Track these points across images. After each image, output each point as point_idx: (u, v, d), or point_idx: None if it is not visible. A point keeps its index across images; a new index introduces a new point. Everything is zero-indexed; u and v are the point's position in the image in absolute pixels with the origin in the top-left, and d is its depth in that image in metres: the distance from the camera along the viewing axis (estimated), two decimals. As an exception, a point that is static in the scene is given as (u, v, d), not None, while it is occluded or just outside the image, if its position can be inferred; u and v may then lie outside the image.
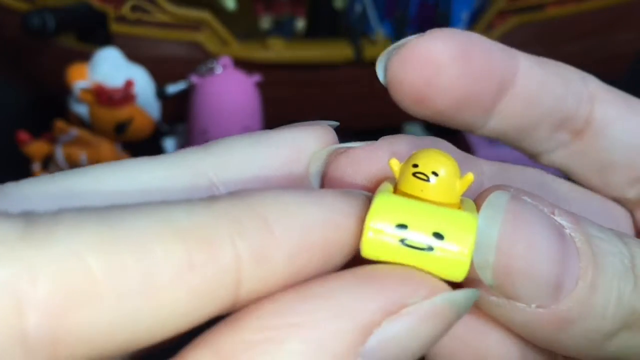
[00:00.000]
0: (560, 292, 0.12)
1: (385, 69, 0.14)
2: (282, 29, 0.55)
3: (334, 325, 0.09)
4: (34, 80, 0.56)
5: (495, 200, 0.12)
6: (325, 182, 0.13)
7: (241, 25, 0.54)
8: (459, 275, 0.10)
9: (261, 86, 0.46)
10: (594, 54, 0.58)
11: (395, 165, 0.12)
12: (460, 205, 0.11)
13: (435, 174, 0.11)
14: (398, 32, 0.50)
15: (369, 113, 0.54)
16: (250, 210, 0.10)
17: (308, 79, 0.50)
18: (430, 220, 0.10)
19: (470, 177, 0.11)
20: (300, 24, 0.56)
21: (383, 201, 0.11)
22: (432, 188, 0.11)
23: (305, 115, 0.55)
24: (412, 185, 0.11)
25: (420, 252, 0.10)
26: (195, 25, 0.47)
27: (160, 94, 0.46)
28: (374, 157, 0.14)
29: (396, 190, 0.12)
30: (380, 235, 0.10)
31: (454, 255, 0.10)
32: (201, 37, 0.47)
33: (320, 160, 0.13)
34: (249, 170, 0.12)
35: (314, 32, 0.57)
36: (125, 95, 0.43)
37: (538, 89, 0.14)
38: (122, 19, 0.47)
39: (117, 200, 0.11)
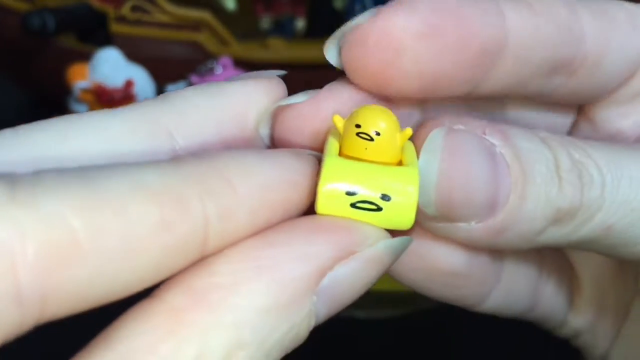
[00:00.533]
0: (495, 208, 0.13)
1: (339, 53, 0.14)
2: (282, 29, 0.55)
3: (295, 268, 0.11)
4: (33, 80, 0.56)
5: (432, 141, 0.13)
6: (274, 137, 0.14)
7: (241, 26, 0.54)
8: (406, 226, 0.12)
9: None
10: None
11: (339, 122, 0.12)
12: (402, 155, 0.13)
13: (377, 133, 0.12)
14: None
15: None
16: (215, 171, 0.11)
17: (308, 79, 0.50)
18: (376, 182, 0.12)
19: (408, 131, 0.12)
20: (300, 24, 0.56)
21: (332, 165, 0.12)
22: (375, 146, 0.12)
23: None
24: (356, 144, 0.12)
25: (371, 212, 0.12)
26: (195, 26, 0.47)
27: (160, 94, 0.46)
28: (317, 111, 0.14)
29: (342, 149, 0.12)
30: (332, 200, 0.12)
31: (401, 211, 0.12)
32: (201, 37, 0.47)
33: (268, 118, 0.14)
34: (205, 123, 0.13)
35: (314, 32, 0.57)
36: (126, 95, 0.43)
37: (531, 44, 0.14)
38: (122, 19, 0.47)
39: (85, 159, 0.11)
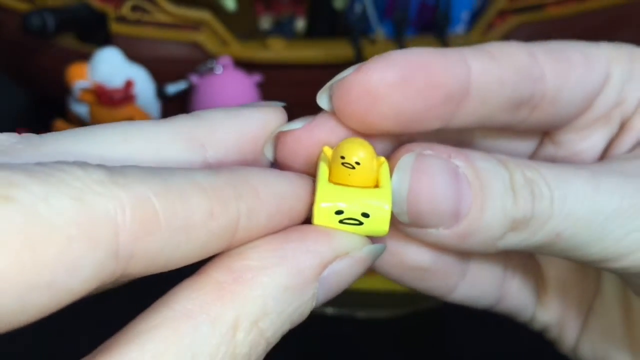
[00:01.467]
0: (458, 217, 0.16)
1: (330, 100, 0.17)
2: (282, 29, 0.55)
3: (307, 259, 0.15)
4: (34, 80, 0.56)
5: (403, 163, 0.16)
6: (276, 156, 0.18)
7: (241, 26, 0.54)
8: (382, 234, 0.16)
9: (261, 86, 0.46)
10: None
11: (328, 151, 0.16)
12: (379, 177, 0.16)
13: (357, 162, 0.15)
14: (398, 33, 0.50)
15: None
16: (245, 180, 0.14)
17: (308, 79, 0.50)
18: (357, 203, 0.16)
19: (382, 159, 0.16)
20: (300, 24, 0.56)
21: (323, 190, 0.16)
22: (356, 173, 0.16)
23: (305, 115, 0.55)
24: (342, 172, 0.16)
25: (355, 226, 0.16)
26: (195, 26, 0.47)
27: (160, 94, 0.46)
28: (311, 137, 0.17)
29: (331, 174, 0.16)
30: (325, 215, 0.15)
31: (377, 224, 0.16)
32: (201, 37, 0.47)
33: (271, 141, 0.18)
34: (229, 138, 0.17)
35: (314, 32, 0.57)
36: (126, 95, 0.43)
37: (493, 87, 0.17)
38: (122, 19, 0.47)
39: (139, 159, 0.15)
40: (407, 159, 0.17)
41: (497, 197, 0.17)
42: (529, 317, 0.23)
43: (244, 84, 0.46)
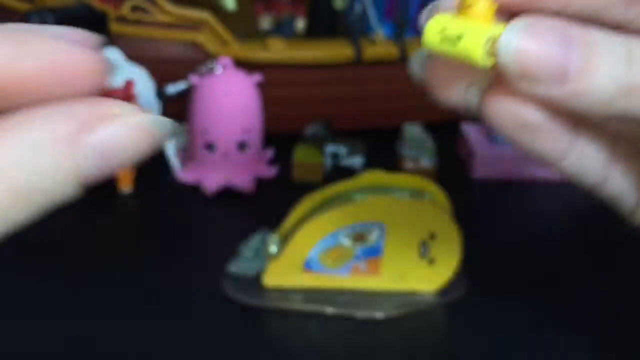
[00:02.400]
0: (566, 77, 0.18)
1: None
2: (282, 29, 0.55)
3: (63, 120, 0.15)
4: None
5: (519, 21, 0.18)
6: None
7: (241, 26, 0.55)
8: (478, 61, 0.17)
9: (261, 86, 0.47)
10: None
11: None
12: (496, 25, 0.18)
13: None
14: (398, 33, 0.50)
15: (368, 112, 0.54)
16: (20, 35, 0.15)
17: (308, 79, 0.51)
18: (460, 27, 0.18)
19: (502, 24, 0.18)
20: (300, 24, 0.56)
21: (441, 16, 0.18)
22: (472, 11, 0.18)
23: (305, 115, 0.55)
24: (462, 9, 0.18)
25: (453, 41, 0.18)
26: (195, 26, 0.48)
27: (160, 94, 0.46)
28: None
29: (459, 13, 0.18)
30: (432, 33, 0.18)
31: (470, 48, 0.17)
32: (201, 37, 0.48)
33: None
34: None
35: (314, 32, 0.58)
36: (126, 95, 0.43)
37: None
38: (122, 19, 0.47)
39: None
40: (524, 19, 0.18)
41: (610, 64, 0.18)
42: (629, 211, 0.23)
43: (244, 83, 0.46)
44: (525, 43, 0.18)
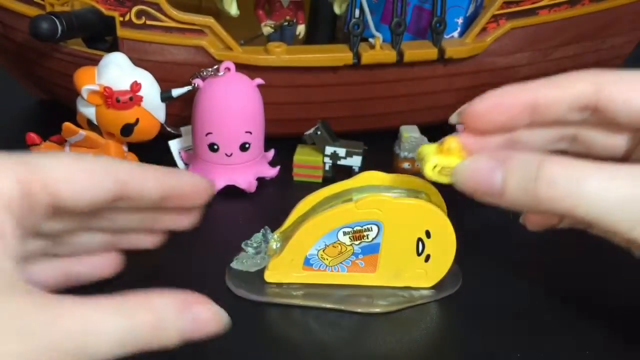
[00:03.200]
0: (497, 193, 0.29)
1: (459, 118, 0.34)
2: (284, 34, 0.56)
3: (178, 297, 0.27)
4: (43, 83, 0.57)
5: (467, 160, 0.30)
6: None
7: (244, 31, 0.56)
8: (429, 177, 0.32)
9: (263, 89, 0.48)
10: (585, 58, 0.59)
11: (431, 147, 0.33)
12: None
13: (448, 149, 0.32)
14: (395, 37, 0.51)
15: (367, 114, 0.55)
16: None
17: (308, 82, 0.51)
18: (440, 160, 0.31)
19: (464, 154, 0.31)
20: (301, 29, 0.57)
21: (433, 159, 0.32)
22: (449, 151, 0.31)
23: (305, 117, 0.56)
24: (443, 149, 0.32)
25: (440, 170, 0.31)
26: (200, 31, 0.49)
27: (165, 97, 0.47)
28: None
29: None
30: (429, 168, 0.31)
31: (426, 170, 0.31)
32: (205, 42, 0.49)
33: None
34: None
35: (314, 37, 0.59)
36: (133, 97, 0.44)
37: (556, 103, 0.32)
38: (128, 24, 0.48)
39: None
40: (474, 157, 0.30)
41: (520, 182, 0.28)
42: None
43: (246, 86, 0.47)
44: (466, 175, 0.30)
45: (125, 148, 0.47)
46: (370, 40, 0.51)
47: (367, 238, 0.37)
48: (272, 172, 0.50)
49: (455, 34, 0.55)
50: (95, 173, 0.28)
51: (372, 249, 0.37)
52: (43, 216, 0.27)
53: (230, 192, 0.47)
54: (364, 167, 0.49)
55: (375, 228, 0.36)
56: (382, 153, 0.51)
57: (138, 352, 0.25)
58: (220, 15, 0.54)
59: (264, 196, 0.48)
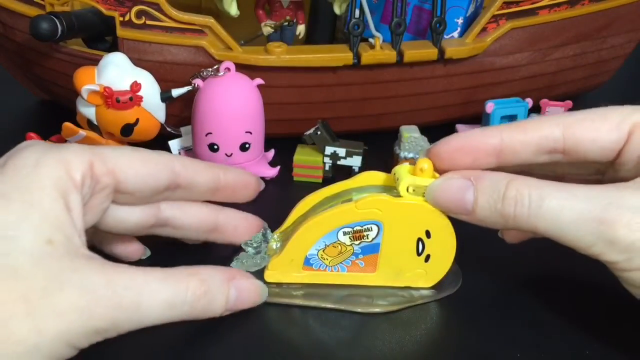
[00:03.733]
0: (468, 210, 0.32)
1: (426, 154, 0.36)
2: (284, 34, 0.56)
3: (226, 271, 0.33)
4: (43, 84, 0.57)
5: (439, 179, 0.34)
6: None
7: (244, 31, 0.56)
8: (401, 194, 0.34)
9: (263, 89, 0.48)
10: (584, 58, 0.59)
11: (406, 167, 0.36)
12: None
13: (421, 169, 0.34)
14: (395, 37, 0.51)
15: (366, 114, 0.55)
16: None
17: (309, 82, 0.51)
18: (413, 180, 0.34)
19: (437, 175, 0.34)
20: (301, 29, 0.57)
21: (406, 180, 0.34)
22: (422, 173, 0.34)
23: (305, 117, 0.56)
24: (416, 171, 0.35)
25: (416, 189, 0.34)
26: (200, 31, 0.49)
27: (165, 97, 0.47)
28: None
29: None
30: (402, 188, 0.35)
31: (401, 190, 0.34)
32: (205, 42, 0.49)
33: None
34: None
35: (314, 37, 0.59)
36: (133, 97, 0.44)
37: (518, 146, 0.34)
38: (128, 24, 0.48)
39: None
40: (442, 177, 0.33)
41: (489, 201, 0.31)
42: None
43: (246, 87, 0.47)
44: (439, 194, 0.33)
45: (125, 148, 0.47)
46: (370, 40, 0.51)
47: (367, 238, 0.36)
48: (272, 172, 0.50)
49: (455, 34, 0.55)
50: (152, 163, 0.33)
51: (372, 249, 0.37)
52: (107, 197, 0.31)
53: (230, 192, 0.47)
54: (364, 167, 0.49)
55: (375, 228, 0.36)
56: (382, 153, 0.51)
57: (187, 320, 0.29)
58: (220, 15, 0.54)
59: (264, 196, 0.48)
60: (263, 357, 0.34)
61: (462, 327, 0.37)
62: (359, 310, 0.37)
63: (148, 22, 0.48)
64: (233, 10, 0.53)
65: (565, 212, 0.30)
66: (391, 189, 0.37)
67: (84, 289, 0.25)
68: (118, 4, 0.47)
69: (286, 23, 0.56)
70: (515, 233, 0.38)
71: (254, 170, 0.48)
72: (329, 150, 0.49)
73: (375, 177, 0.38)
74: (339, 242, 0.37)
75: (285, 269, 0.38)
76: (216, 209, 0.38)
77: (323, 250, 0.37)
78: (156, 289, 0.27)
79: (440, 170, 0.34)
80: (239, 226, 0.38)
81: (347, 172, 0.50)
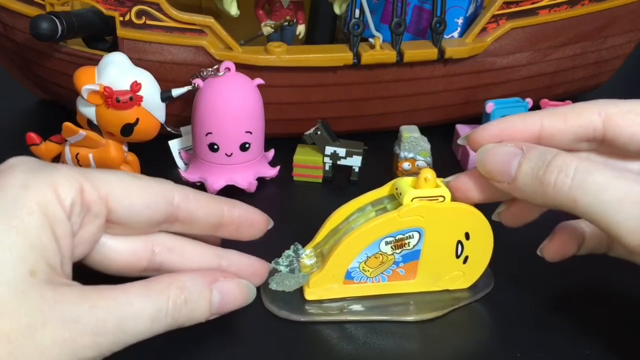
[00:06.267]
0: (510, 177, 0.31)
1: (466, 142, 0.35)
2: (284, 34, 0.56)
3: (207, 274, 0.31)
4: (43, 84, 0.57)
5: (485, 146, 0.33)
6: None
7: (244, 31, 0.56)
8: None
9: (263, 89, 0.48)
10: (584, 58, 0.59)
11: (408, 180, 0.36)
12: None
13: (425, 179, 0.35)
14: (395, 37, 0.51)
15: (367, 114, 0.55)
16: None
17: (309, 82, 0.51)
18: (422, 192, 0.35)
19: (441, 183, 0.35)
20: (301, 29, 0.57)
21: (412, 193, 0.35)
22: (426, 183, 0.35)
23: (305, 117, 0.56)
24: (420, 182, 0.35)
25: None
26: (200, 31, 0.49)
27: (165, 97, 0.47)
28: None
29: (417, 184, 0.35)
30: (407, 200, 0.35)
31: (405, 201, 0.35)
32: (205, 42, 0.49)
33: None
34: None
35: (314, 37, 0.59)
36: (133, 97, 0.44)
37: (555, 132, 0.33)
38: (128, 24, 0.48)
39: None
40: (499, 143, 0.33)
41: (532, 167, 0.31)
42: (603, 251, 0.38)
43: (246, 86, 0.47)
44: (488, 157, 0.32)
45: (125, 148, 0.47)
46: (370, 40, 0.51)
47: (409, 246, 0.36)
48: (272, 172, 0.50)
49: (455, 34, 0.55)
50: (150, 193, 0.30)
51: (412, 256, 0.36)
52: (98, 229, 0.29)
53: (230, 192, 0.48)
54: (364, 167, 0.49)
55: (416, 235, 0.35)
56: (382, 153, 0.51)
57: (174, 329, 0.28)
58: (220, 15, 0.54)
59: (264, 196, 0.48)
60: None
61: (508, 327, 0.37)
62: (407, 319, 0.36)
63: (148, 22, 0.48)
64: (233, 10, 0.53)
65: (611, 190, 0.28)
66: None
67: (67, 320, 0.24)
68: (118, 3, 0.47)
69: (286, 23, 0.56)
70: (516, 211, 0.35)
71: (254, 170, 0.48)
72: (329, 150, 0.49)
73: (405, 183, 0.36)
74: (380, 252, 0.36)
75: (327, 285, 0.36)
76: (219, 253, 0.34)
77: (365, 262, 0.36)
78: (139, 306, 0.26)
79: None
80: (242, 272, 0.34)
81: (347, 172, 0.50)
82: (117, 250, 0.31)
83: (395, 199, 0.36)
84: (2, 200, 0.25)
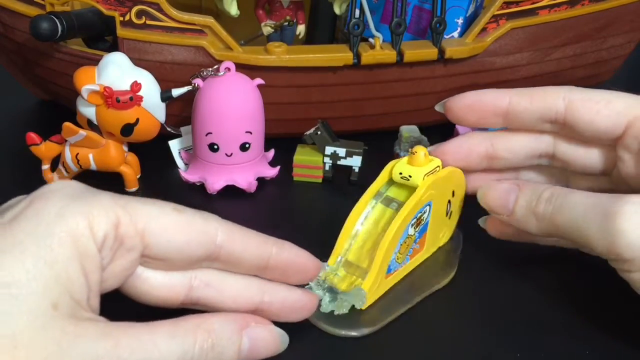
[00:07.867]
0: (507, 210, 0.36)
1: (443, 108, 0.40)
2: (284, 34, 0.56)
3: (240, 319, 0.30)
4: (43, 84, 0.57)
5: (487, 184, 0.38)
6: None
7: (244, 31, 0.56)
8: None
9: (263, 89, 0.48)
10: (584, 58, 0.59)
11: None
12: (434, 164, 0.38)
13: (414, 152, 0.37)
14: (395, 37, 0.51)
15: (366, 114, 0.55)
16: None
17: (309, 82, 0.51)
18: (409, 170, 0.37)
19: (437, 160, 0.38)
20: (301, 29, 0.57)
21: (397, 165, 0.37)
22: (414, 158, 0.37)
23: (305, 117, 0.56)
24: (411, 158, 0.38)
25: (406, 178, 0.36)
26: (200, 31, 0.49)
27: (165, 97, 0.47)
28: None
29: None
30: (395, 174, 0.37)
31: (416, 180, 0.37)
32: (205, 42, 0.49)
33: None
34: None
35: (314, 37, 0.59)
36: (133, 97, 0.44)
37: (520, 109, 0.37)
38: (128, 24, 0.48)
39: None
40: (496, 182, 0.37)
41: (527, 201, 0.35)
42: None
43: (246, 86, 0.47)
44: (488, 194, 0.37)
45: (125, 148, 0.47)
46: (370, 40, 0.51)
47: (424, 221, 0.38)
48: (272, 172, 0.50)
49: (455, 34, 0.55)
50: (192, 230, 0.28)
51: (424, 229, 0.38)
52: (132, 263, 0.28)
53: (230, 192, 0.48)
54: (364, 167, 0.49)
55: (427, 209, 0.37)
56: (382, 153, 0.51)
57: None
58: (220, 15, 0.54)
59: (264, 196, 0.48)
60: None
61: (461, 325, 0.37)
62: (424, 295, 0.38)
63: (148, 22, 0.48)
64: (233, 10, 0.53)
65: (579, 206, 0.32)
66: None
67: (86, 358, 0.23)
68: (118, 3, 0.47)
69: (286, 23, 0.56)
70: (497, 224, 0.39)
71: (254, 170, 0.48)
72: (329, 150, 0.49)
73: (403, 165, 0.38)
74: (409, 236, 0.37)
75: (376, 287, 0.36)
76: (264, 288, 0.31)
77: (399, 252, 0.37)
78: (165, 348, 0.25)
79: (454, 120, 0.39)
80: (285, 309, 0.32)
81: (347, 172, 0.50)
82: (153, 285, 0.29)
83: (394, 184, 0.38)
84: (36, 227, 0.24)
